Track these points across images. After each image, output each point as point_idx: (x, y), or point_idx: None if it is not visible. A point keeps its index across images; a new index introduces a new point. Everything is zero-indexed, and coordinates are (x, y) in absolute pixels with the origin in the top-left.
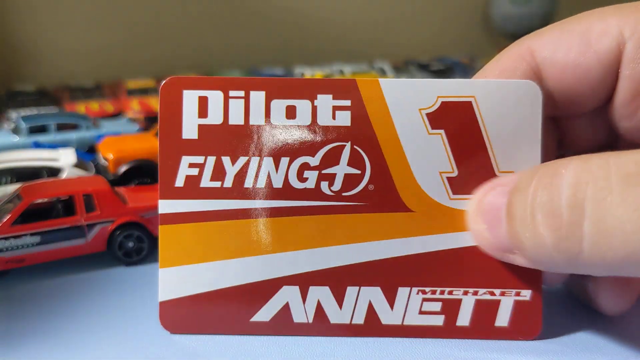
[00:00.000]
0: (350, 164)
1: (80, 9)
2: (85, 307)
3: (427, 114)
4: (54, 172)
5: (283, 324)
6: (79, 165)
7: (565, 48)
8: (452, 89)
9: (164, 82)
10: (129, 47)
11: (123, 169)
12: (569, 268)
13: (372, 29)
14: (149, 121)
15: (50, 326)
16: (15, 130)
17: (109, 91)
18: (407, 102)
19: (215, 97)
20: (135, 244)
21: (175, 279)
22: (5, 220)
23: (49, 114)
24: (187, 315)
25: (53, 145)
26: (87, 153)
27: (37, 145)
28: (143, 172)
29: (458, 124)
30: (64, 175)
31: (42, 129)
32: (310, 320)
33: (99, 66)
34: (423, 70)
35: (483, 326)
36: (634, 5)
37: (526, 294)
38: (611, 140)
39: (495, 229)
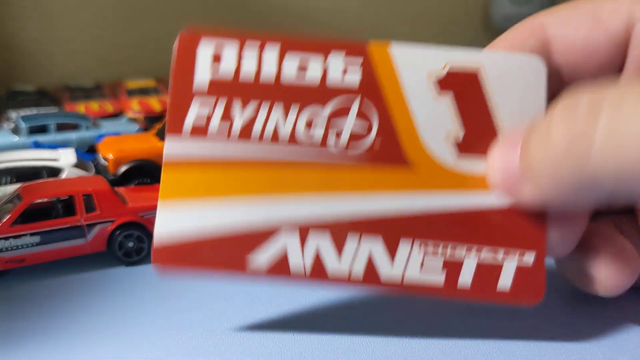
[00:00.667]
0: (357, 118)
1: (80, 9)
2: (85, 307)
3: (435, 79)
4: (54, 172)
5: (280, 271)
6: (79, 165)
7: (575, 25)
8: (461, 57)
9: (182, 31)
10: (129, 47)
11: (123, 169)
12: (575, 180)
13: (371, 30)
14: (149, 121)
15: (50, 326)
16: (15, 130)
17: (109, 91)
18: (415, 66)
19: (230, 47)
20: (135, 244)
21: (174, 212)
22: (5, 220)
23: (49, 114)
24: (181, 253)
25: (53, 145)
26: (87, 153)
27: (37, 145)
28: (143, 172)
29: (464, 91)
30: (64, 175)
31: (42, 129)
32: (308, 270)
33: (99, 66)
34: None
35: (484, 289)
36: None
37: (530, 257)
38: None
39: (509, 153)
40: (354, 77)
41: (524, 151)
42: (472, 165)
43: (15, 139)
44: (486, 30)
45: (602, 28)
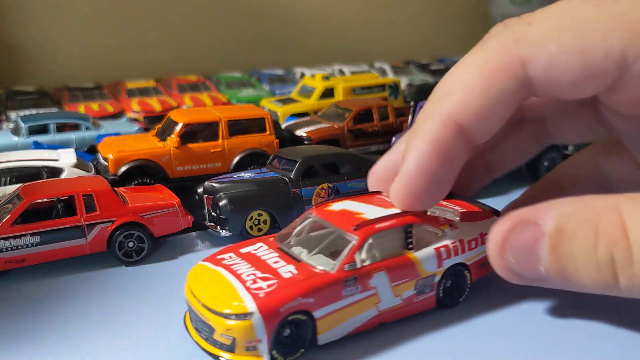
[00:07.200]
0: None
1: (80, 10)
2: (86, 307)
3: None
4: (54, 172)
5: None
6: (79, 165)
7: (562, 68)
8: None
9: None
10: (129, 48)
11: (123, 169)
12: (608, 289)
13: (372, 30)
14: (149, 121)
15: (50, 326)
16: (15, 130)
17: (108, 91)
18: None
19: None
20: (135, 244)
21: None
22: (5, 220)
23: (49, 114)
24: None
25: (53, 146)
26: (87, 153)
27: (37, 145)
28: (143, 172)
29: None
30: (63, 175)
31: (42, 129)
32: None
33: (99, 67)
34: (423, 70)
35: None
36: (635, 15)
37: None
38: (597, 136)
39: (528, 264)
40: None
41: (558, 249)
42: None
43: (15, 139)
44: (486, 31)
45: (591, 74)
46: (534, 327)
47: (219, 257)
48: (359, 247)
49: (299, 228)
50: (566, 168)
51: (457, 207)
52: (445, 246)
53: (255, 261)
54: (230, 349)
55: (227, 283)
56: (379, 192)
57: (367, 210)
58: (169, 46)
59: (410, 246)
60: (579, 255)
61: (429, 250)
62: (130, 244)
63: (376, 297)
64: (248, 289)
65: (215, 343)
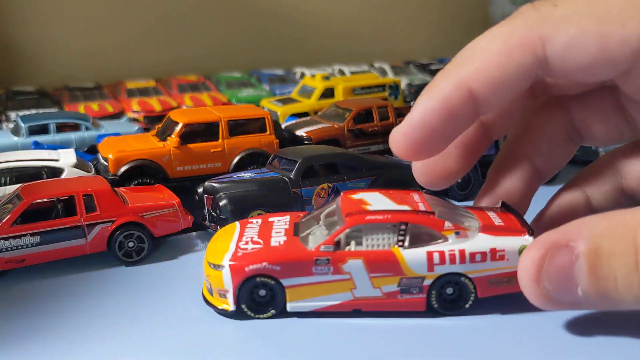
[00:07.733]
0: None
1: (80, 10)
2: (85, 307)
3: None
4: (54, 172)
5: None
6: (79, 165)
7: (580, 50)
8: None
9: None
10: (129, 48)
11: (123, 169)
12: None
13: (372, 30)
14: (149, 121)
15: (50, 326)
16: (15, 130)
17: (108, 91)
18: None
19: None
20: (135, 244)
21: None
22: (5, 220)
23: (49, 114)
24: None
25: (53, 146)
26: (87, 153)
27: (37, 145)
28: (143, 172)
29: None
30: (64, 175)
31: (42, 129)
32: None
33: (99, 67)
34: (423, 70)
35: None
36: None
37: None
38: (625, 136)
39: (566, 288)
40: None
41: (596, 269)
42: None
43: (15, 139)
44: (486, 30)
45: (608, 59)
46: (546, 335)
47: (250, 220)
48: (341, 232)
49: (327, 209)
50: (588, 175)
51: (490, 219)
52: (440, 252)
53: (265, 228)
54: (210, 292)
55: (230, 240)
56: (417, 191)
57: (378, 203)
58: (169, 46)
59: (400, 243)
60: (619, 273)
61: (419, 251)
62: (130, 244)
63: (351, 283)
64: (237, 247)
65: (206, 285)
